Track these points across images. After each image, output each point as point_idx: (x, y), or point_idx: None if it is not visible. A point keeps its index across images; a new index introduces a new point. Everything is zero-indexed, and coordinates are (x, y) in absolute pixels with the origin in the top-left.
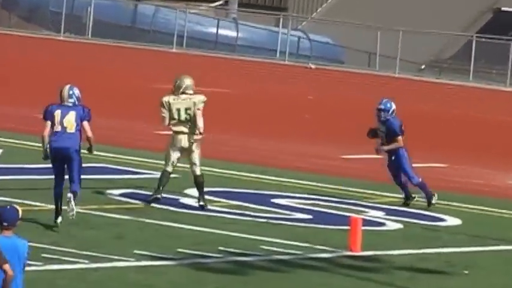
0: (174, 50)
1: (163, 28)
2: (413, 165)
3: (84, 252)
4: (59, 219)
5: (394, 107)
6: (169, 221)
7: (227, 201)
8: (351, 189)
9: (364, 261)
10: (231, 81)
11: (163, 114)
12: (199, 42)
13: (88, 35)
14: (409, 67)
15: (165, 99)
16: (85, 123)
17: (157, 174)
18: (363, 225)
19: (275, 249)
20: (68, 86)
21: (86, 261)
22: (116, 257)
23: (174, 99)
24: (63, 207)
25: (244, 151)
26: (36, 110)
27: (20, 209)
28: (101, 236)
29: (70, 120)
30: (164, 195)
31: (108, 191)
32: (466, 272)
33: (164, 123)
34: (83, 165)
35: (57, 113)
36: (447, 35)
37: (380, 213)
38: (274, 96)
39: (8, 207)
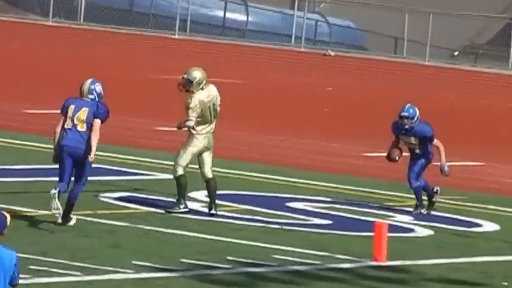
0: (176, 36)
1: (164, 11)
2: (448, 163)
3: (77, 263)
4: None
5: (418, 113)
6: (171, 227)
7: (236, 205)
8: (375, 191)
9: (391, 272)
10: (240, 71)
11: (193, 116)
12: (205, 27)
13: (80, 19)
14: (441, 53)
15: (201, 97)
16: (96, 121)
17: (158, 176)
18: (389, 232)
19: (290, 258)
20: (89, 81)
21: (79, 274)
22: (112, 269)
23: (206, 97)
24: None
25: (255, 149)
26: (22, 104)
27: (8, 215)
28: (95, 245)
29: (81, 117)
30: (165, 198)
31: (103, 195)
32: (505, 283)
33: (192, 125)
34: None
35: (71, 108)
36: (483, 17)
37: (408, 218)
38: (288, 88)
39: None
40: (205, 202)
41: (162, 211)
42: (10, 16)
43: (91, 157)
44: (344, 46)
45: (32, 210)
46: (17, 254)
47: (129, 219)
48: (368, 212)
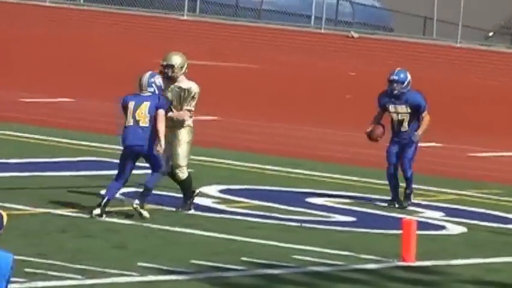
0: (185, 18)
1: None
2: (482, 154)
3: (77, 266)
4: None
5: (409, 78)
6: (180, 226)
7: (250, 201)
8: (402, 185)
9: (420, 273)
10: (255, 55)
11: (193, 107)
12: (216, 8)
13: None
14: (474, 34)
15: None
16: (160, 111)
17: None
18: (418, 229)
19: (309, 259)
20: (148, 73)
21: (79, 277)
22: (116, 271)
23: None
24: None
25: (271, 139)
26: (18, 92)
27: (4, 214)
28: (97, 245)
29: (142, 112)
30: (174, 194)
31: (105, 190)
32: None
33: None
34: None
35: (131, 104)
36: None
37: (439, 214)
38: (307, 73)
39: None
40: (217, 198)
41: (170, 208)
42: None
43: (160, 147)
44: (368, 27)
45: (29, 208)
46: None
47: (135, 217)
48: (395, 208)
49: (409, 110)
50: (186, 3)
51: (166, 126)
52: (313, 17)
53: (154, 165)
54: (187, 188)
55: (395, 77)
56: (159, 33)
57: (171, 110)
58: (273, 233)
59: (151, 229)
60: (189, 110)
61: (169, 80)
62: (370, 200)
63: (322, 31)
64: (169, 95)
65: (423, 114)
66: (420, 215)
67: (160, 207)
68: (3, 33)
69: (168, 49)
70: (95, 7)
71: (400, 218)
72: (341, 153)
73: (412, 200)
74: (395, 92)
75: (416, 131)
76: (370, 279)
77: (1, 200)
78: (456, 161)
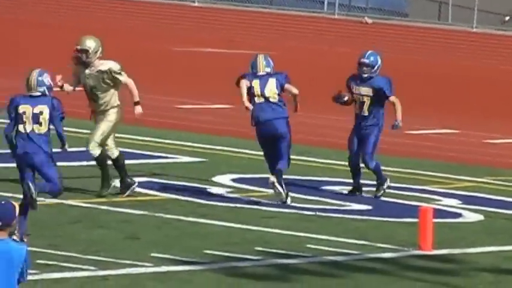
0: (195, 4)
1: None
2: (498, 141)
3: (90, 257)
4: None
5: (380, 62)
6: (194, 216)
7: (266, 190)
8: (418, 171)
9: (437, 261)
10: (267, 41)
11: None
12: None
13: None
14: (490, 19)
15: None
16: (287, 85)
17: (180, 158)
18: (435, 217)
19: (326, 248)
20: (262, 55)
21: (93, 268)
22: (129, 262)
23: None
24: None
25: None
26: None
27: (16, 205)
28: (110, 236)
29: (271, 89)
30: (188, 184)
31: (118, 180)
32: None
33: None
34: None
35: (256, 84)
36: None
37: (456, 202)
38: (321, 59)
39: (3, 202)
40: (230, 187)
41: (184, 198)
42: None
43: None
44: (382, 12)
45: (41, 198)
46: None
47: (147, 207)
48: (412, 196)
49: (371, 94)
50: None
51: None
52: (326, 3)
53: (282, 152)
54: (121, 167)
55: (366, 61)
56: (170, 21)
57: (93, 99)
58: (289, 222)
59: (165, 219)
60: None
61: (84, 64)
62: (386, 187)
63: (336, 17)
64: (89, 81)
65: (392, 99)
66: (437, 202)
67: (174, 196)
68: (9, 24)
69: (180, 36)
70: None
71: (417, 206)
72: None
73: (385, 189)
74: (365, 75)
75: (379, 119)
76: (386, 268)
77: (13, 191)
78: (472, 147)
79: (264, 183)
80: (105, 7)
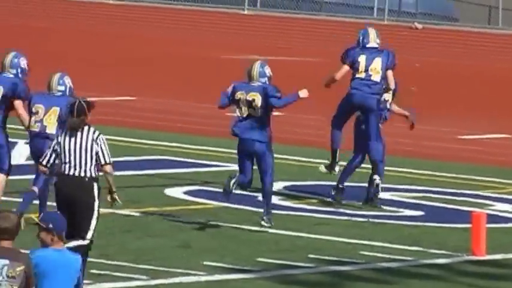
0: (245, 12)
1: None
2: None
3: (142, 266)
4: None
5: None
6: (246, 223)
7: (317, 197)
8: (471, 177)
9: (491, 266)
10: (317, 48)
11: None
12: (277, 1)
13: None
14: None
15: None
16: (389, 72)
17: (230, 166)
18: (488, 222)
19: (378, 255)
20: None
21: (144, 277)
22: (181, 271)
23: None
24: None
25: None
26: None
27: (34, 217)
28: (162, 245)
29: (376, 68)
30: (240, 191)
31: (169, 189)
32: None
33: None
34: (138, 158)
35: (362, 59)
36: None
37: (509, 206)
38: None
39: (58, 212)
40: (282, 194)
41: (236, 205)
42: None
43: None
44: (432, 17)
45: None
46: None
47: (199, 215)
48: (464, 201)
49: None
50: None
51: None
52: (375, 9)
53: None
54: None
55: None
56: (220, 29)
57: None
58: (341, 229)
59: (217, 227)
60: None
61: None
62: (439, 193)
63: (385, 22)
64: None
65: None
66: (490, 207)
67: (225, 204)
68: (67, 31)
69: (230, 44)
70: (154, 4)
71: (470, 212)
72: (407, 146)
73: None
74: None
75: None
76: (440, 274)
77: None
78: None
79: (316, 189)
80: (155, 16)
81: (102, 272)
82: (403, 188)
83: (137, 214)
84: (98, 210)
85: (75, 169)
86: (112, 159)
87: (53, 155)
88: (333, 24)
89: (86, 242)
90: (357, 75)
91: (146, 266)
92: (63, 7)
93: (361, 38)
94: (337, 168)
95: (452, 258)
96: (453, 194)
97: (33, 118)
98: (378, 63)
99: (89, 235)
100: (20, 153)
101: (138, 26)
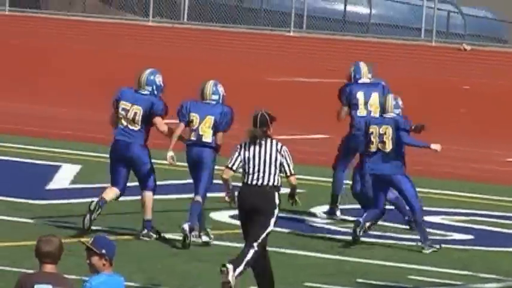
0: (291, 34)
1: (278, 7)
2: None
3: None
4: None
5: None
6: (292, 247)
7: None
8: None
9: None
10: None
11: None
12: (323, 23)
13: (183, 18)
14: None
15: None
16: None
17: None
18: None
19: (427, 279)
20: (361, 63)
21: None
22: None
23: None
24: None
25: None
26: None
27: (86, 241)
28: (208, 269)
29: (375, 103)
30: (286, 215)
31: (215, 213)
32: None
33: None
34: (183, 181)
35: (360, 95)
36: None
37: None
38: (419, 87)
39: (106, 236)
40: (328, 218)
41: (282, 229)
42: (104, 16)
43: None
44: (481, 39)
45: (136, 232)
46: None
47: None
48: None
49: None
50: (293, 19)
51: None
52: (423, 30)
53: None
54: None
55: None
56: (265, 51)
57: None
58: (389, 252)
59: None
60: None
61: None
62: (488, 216)
63: (433, 44)
64: None
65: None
66: None
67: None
68: (104, 53)
69: (275, 67)
70: (199, 26)
71: None
72: (455, 168)
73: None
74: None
75: None
76: None
77: (110, 225)
78: None
79: (362, 212)
80: (199, 38)
81: None
82: (451, 212)
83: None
84: (276, 219)
85: (258, 179)
86: (158, 183)
87: (239, 161)
88: (380, 46)
89: (255, 245)
90: (358, 114)
91: None
92: (95, 29)
93: (352, 73)
94: (338, 213)
95: (503, 282)
96: (503, 218)
97: (187, 128)
98: (375, 98)
99: (261, 236)
100: None
101: (180, 48)
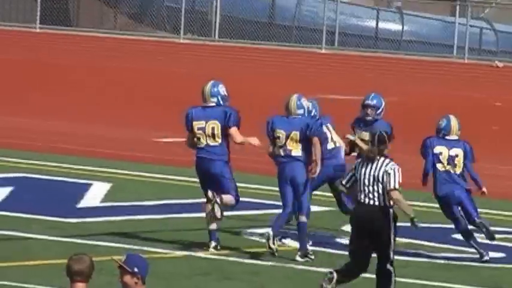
0: (323, 51)
1: (309, 23)
2: None
3: None
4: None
5: (384, 104)
6: (323, 266)
7: (397, 238)
8: None
9: None
10: (395, 87)
11: None
12: (355, 39)
13: (214, 35)
14: None
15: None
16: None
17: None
18: None
19: None
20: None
21: None
22: None
23: None
24: None
25: (413, 174)
26: (155, 132)
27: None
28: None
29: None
30: (317, 233)
31: (246, 231)
32: None
33: None
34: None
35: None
36: None
37: None
38: (451, 104)
39: (139, 254)
40: None
41: (312, 247)
42: (135, 33)
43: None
44: None
45: (169, 251)
46: None
47: (276, 257)
48: None
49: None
50: (324, 36)
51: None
52: (455, 47)
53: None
54: None
55: (371, 102)
56: (296, 67)
57: None
58: (419, 270)
59: (295, 270)
60: None
61: None
62: None
63: (466, 61)
64: None
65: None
66: None
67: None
68: (135, 69)
69: (307, 83)
70: (230, 43)
71: None
72: (488, 187)
73: None
74: (369, 118)
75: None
76: None
77: (141, 244)
78: None
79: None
80: (230, 55)
81: None
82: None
83: (214, 257)
84: (394, 235)
85: (369, 198)
86: (190, 200)
87: (353, 178)
88: (412, 63)
89: (389, 266)
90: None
91: None
92: (126, 46)
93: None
94: None
95: None
96: None
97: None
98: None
99: (391, 256)
100: None
101: (210, 64)
